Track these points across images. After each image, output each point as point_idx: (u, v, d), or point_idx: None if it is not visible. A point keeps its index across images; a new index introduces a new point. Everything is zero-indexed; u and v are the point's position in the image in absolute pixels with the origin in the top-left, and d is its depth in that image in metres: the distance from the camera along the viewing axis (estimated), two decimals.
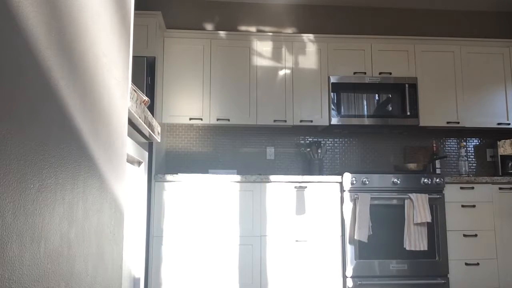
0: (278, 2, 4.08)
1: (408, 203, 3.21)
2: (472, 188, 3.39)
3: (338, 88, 3.66)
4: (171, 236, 3.15)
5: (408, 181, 3.32)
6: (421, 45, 3.83)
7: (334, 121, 3.62)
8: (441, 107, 3.77)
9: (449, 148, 4.12)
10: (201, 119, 3.60)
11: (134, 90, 1.10)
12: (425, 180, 3.31)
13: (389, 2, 4.14)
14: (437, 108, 3.76)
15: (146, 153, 1.39)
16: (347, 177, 3.28)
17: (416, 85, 3.69)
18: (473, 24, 4.23)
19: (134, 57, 3.16)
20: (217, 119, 3.60)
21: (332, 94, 3.65)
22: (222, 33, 3.71)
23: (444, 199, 3.33)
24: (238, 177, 3.25)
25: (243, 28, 4.06)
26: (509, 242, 3.36)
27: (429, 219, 3.17)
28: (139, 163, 1.33)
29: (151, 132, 1.27)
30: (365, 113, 3.64)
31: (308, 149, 3.85)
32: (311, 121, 3.67)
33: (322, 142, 3.99)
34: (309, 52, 3.76)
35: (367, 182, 3.28)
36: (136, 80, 3.11)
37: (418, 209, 3.17)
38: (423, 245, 3.15)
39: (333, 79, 3.67)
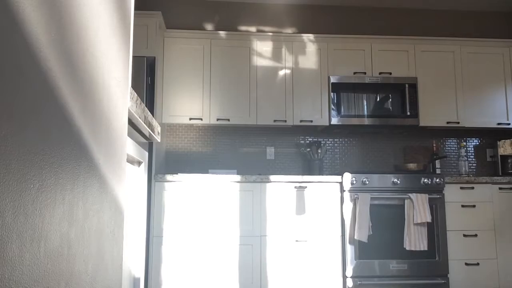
0: (278, 2, 4.08)
1: (408, 203, 3.21)
2: (472, 188, 3.39)
3: (338, 88, 3.66)
4: (171, 236, 3.15)
5: (408, 181, 3.32)
6: (421, 45, 3.83)
7: (334, 121, 3.62)
8: (441, 107, 3.77)
9: (449, 148, 4.12)
10: (201, 119, 3.60)
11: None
12: (425, 180, 3.31)
13: (389, 2, 4.14)
14: (437, 108, 3.76)
15: (146, 153, 1.39)
16: (347, 177, 3.28)
17: (416, 85, 3.69)
18: (473, 24, 4.23)
19: (134, 57, 3.15)
20: (217, 119, 3.60)
21: (332, 94, 3.65)
22: (222, 33, 3.71)
23: (444, 199, 3.33)
24: (238, 177, 3.25)
25: (243, 28, 4.06)
26: (509, 242, 3.36)
27: (429, 219, 3.17)
28: (139, 163, 1.33)
29: (151, 132, 1.27)
30: (365, 113, 3.64)
31: (308, 149, 3.85)
32: (311, 121, 3.67)
33: (322, 142, 3.99)
34: (309, 52, 3.76)
35: (367, 182, 3.28)
36: (136, 80, 3.11)
37: (418, 209, 3.17)
38: (423, 245, 3.15)
39: (333, 79, 3.67)
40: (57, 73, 0.51)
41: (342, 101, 3.65)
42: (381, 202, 3.25)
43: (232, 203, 3.23)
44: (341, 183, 3.31)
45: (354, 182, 3.27)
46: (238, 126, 3.90)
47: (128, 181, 1.18)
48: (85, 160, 0.64)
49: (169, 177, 3.21)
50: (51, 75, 0.49)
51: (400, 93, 3.68)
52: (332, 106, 3.63)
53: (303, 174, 3.87)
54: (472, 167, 4.10)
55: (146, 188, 1.41)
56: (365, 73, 3.74)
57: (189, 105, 3.61)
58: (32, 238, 0.44)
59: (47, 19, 0.48)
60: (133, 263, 1.26)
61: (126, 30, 0.92)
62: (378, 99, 3.67)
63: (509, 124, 3.82)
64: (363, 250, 3.20)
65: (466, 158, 3.92)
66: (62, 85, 0.53)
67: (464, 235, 3.32)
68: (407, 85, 3.67)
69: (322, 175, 3.52)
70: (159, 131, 1.44)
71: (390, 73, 3.75)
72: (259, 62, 3.70)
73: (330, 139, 4.03)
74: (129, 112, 0.96)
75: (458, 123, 3.77)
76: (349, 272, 3.17)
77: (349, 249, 3.20)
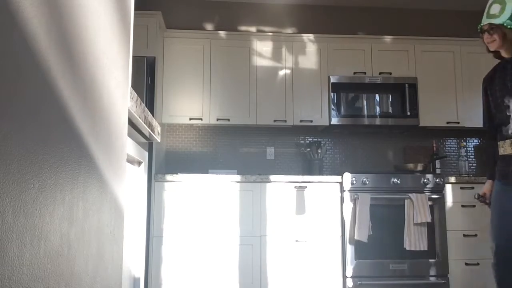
0: (278, 2, 4.08)
1: (408, 203, 3.21)
2: (472, 188, 3.39)
3: (338, 88, 3.66)
4: (171, 236, 3.15)
5: (408, 181, 3.32)
6: (421, 45, 3.83)
7: (334, 121, 3.62)
8: (441, 107, 3.77)
9: (449, 148, 4.12)
10: (201, 119, 3.60)
11: None
12: (425, 180, 3.31)
13: (389, 2, 4.14)
14: (437, 108, 3.76)
15: (146, 153, 1.39)
16: (347, 177, 3.28)
17: (416, 85, 3.69)
18: (473, 24, 4.23)
19: (134, 57, 3.16)
20: (217, 119, 3.60)
21: (332, 94, 3.65)
22: (222, 33, 3.71)
23: (444, 199, 3.33)
24: (238, 177, 3.25)
25: (243, 28, 4.05)
26: None
27: (429, 219, 3.17)
28: (139, 163, 1.33)
29: (151, 132, 1.27)
30: (365, 113, 3.64)
31: (308, 149, 3.85)
32: (311, 121, 3.67)
33: (322, 142, 3.98)
34: (309, 52, 3.76)
35: (367, 182, 3.28)
36: (136, 80, 3.11)
37: (418, 209, 3.17)
38: (423, 245, 3.15)
39: (333, 79, 3.67)
40: (57, 73, 0.51)
41: (342, 101, 3.65)
42: (381, 202, 3.25)
43: (232, 203, 3.22)
44: (341, 183, 3.31)
45: (354, 182, 3.27)
46: (238, 126, 3.90)
47: (128, 181, 1.18)
48: (85, 160, 0.64)
49: (169, 177, 3.21)
50: (51, 75, 0.49)
51: (400, 93, 3.68)
52: (332, 106, 3.63)
53: (303, 174, 3.86)
54: (472, 167, 4.10)
55: (146, 188, 1.41)
56: (365, 73, 3.74)
57: (189, 105, 3.60)
58: (32, 238, 0.44)
59: (47, 19, 0.48)
60: (133, 263, 1.26)
61: (126, 30, 0.92)
62: (378, 99, 3.67)
63: None
64: (363, 250, 3.20)
65: (466, 158, 3.92)
66: (62, 85, 0.53)
67: (464, 235, 3.32)
68: (407, 85, 3.67)
69: (322, 175, 3.52)
70: (159, 131, 1.44)
71: (390, 73, 3.75)
72: (259, 62, 3.70)
73: (330, 139, 4.03)
74: (129, 112, 0.96)
75: (458, 123, 3.77)
76: (349, 272, 3.17)
77: (349, 249, 3.19)
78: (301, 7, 4.13)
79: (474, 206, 3.36)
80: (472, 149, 4.14)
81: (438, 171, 3.87)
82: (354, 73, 3.74)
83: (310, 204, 3.27)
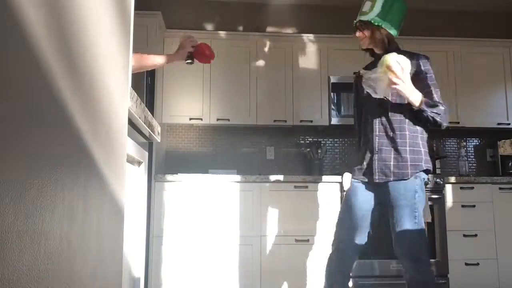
0: (279, 2, 4.08)
1: None
2: (472, 188, 3.39)
3: (338, 88, 3.65)
4: (171, 236, 3.15)
5: None
6: (421, 45, 3.82)
7: (334, 121, 3.62)
8: None
9: (449, 148, 4.11)
10: (201, 119, 3.60)
11: None
12: (425, 180, 3.31)
13: None
14: None
15: (146, 153, 1.39)
16: (347, 177, 3.27)
17: None
18: (473, 24, 4.23)
19: None
20: (217, 119, 3.60)
21: (332, 94, 3.64)
22: (222, 33, 3.71)
23: (444, 199, 3.33)
24: (238, 177, 3.25)
25: (243, 28, 4.05)
26: (509, 242, 3.36)
27: (429, 219, 3.16)
28: (139, 163, 1.33)
29: (151, 132, 1.27)
30: None
31: (308, 149, 3.84)
32: (311, 121, 3.67)
33: (322, 142, 3.98)
34: (309, 52, 3.76)
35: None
36: (136, 80, 3.11)
37: None
38: None
39: (333, 79, 3.66)
40: (57, 73, 0.51)
41: (342, 101, 3.65)
42: None
43: (232, 203, 3.22)
44: (341, 183, 3.31)
45: None
46: (238, 126, 3.89)
47: (128, 181, 1.18)
48: (85, 160, 0.64)
49: (169, 177, 3.21)
50: (51, 75, 0.49)
51: None
52: (332, 106, 3.63)
53: (303, 174, 3.86)
54: (472, 167, 4.10)
55: (146, 188, 1.41)
56: None
57: (189, 105, 3.60)
58: (32, 238, 0.44)
59: (47, 19, 0.48)
60: (133, 263, 1.26)
61: (126, 30, 0.92)
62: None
63: (509, 124, 3.81)
64: (363, 250, 3.19)
65: (466, 158, 3.92)
66: (62, 85, 0.53)
67: (464, 235, 3.32)
68: None
69: (322, 175, 3.52)
70: (159, 131, 1.44)
71: None
72: (259, 62, 3.70)
73: (330, 139, 4.03)
74: (129, 112, 0.96)
75: (458, 123, 3.77)
76: None
77: None
78: (301, 7, 4.12)
79: (474, 206, 3.36)
80: (472, 149, 4.14)
81: (438, 171, 3.86)
82: (354, 73, 3.73)
83: (310, 204, 3.27)
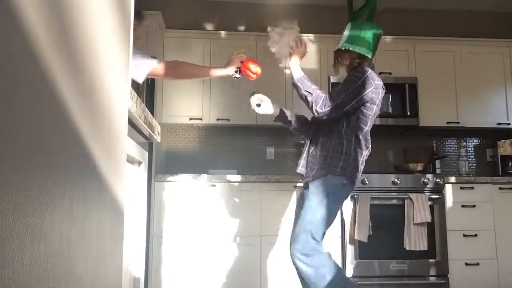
0: (278, 2, 4.08)
1: (408, 203, 3.21)
2: (472, 188, 3.39)
3: None
4: (171, 236, 3.15)
5: (408, 181, 3.32)
6: (421, 45, 3.83)
7: None
8: (441, 107, 3.76)
9: (449, 148, 4.11)
10: (201, 119, 3.60)
11: None
12: (425, 180, 3.31)
13: (389, 2, 4.14)
14: (437, 108, 3.75)
15: (146, 153, 1.39)
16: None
17: (416, 85, 3.69)
18: (473, 24, 4.23)
19: None
20: (217, 119, 3.60)
21: None
22: (222, 33, 3.71)
23: (444, 199, 3.33)
24: (238, 177, 3.25)
25: (243, 28, 4.05)
26: (509, 242, 3.36)
27: (429, 219, 3.17)
28: (139, 163, 1.33)
29: (151, 132, 1.27)
30: None
31: None
32: None
33: None
34: (309, 52, 3.73)
35: (367, 182, 3.28)
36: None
37: (418, 209, 3.17)
38: (423, 245, 3.15)
39: (333, 79, 3.66)
40: (56, 73, 0.51)
41: None
42: (381, 202, 3.25)
43: (232, 203, 3.22)
44: None
45: None
46: (238, 126, 3.89)
47: (128, 181, 1.18)
48: (85, 160, 0.64)
49: (169, 177, 3.21)
50: (50, 75, 0.49)
51: (400, 93, 3.68)
52: None
53: None
54: (472, 167, 4.10)
55: (146, 188, 1.41)
56: None
57: (189, 105, 3.60)
58: (32, 238, 0.44)
59: (47, 19, 0.48)
60: (133, 263, 1.26)
61: (126, 30, 0.92)
62: None
63: (509, 124, 3.81)
64: (363, 250, 3.19)
65: (466, 158, 3.92)
66: (62, 85, 0.53)
67: (464, 235, 3.32)
68: (407, 85, 3.66)
69: None
70: (159, 131, 1.44)
71: (390, 73, 3.74)
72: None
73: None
74: (129, 112, 0.96)
75: (458, 123, 3.77)
76: (349, 272, 3.17)
77: (349, 249, 3.19)
78: (301, 7, 4.12)
79: (474, 206, 3.36)
80: (472, 149, 4.14)
81: (438, 171, 3.86)
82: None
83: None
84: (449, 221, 3.31)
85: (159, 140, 1.44)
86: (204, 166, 3.86)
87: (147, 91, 3.17)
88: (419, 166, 3.57)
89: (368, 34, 2.23)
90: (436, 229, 3.26)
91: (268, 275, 3.17)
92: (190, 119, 3.59)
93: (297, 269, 2.14)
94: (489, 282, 3.29)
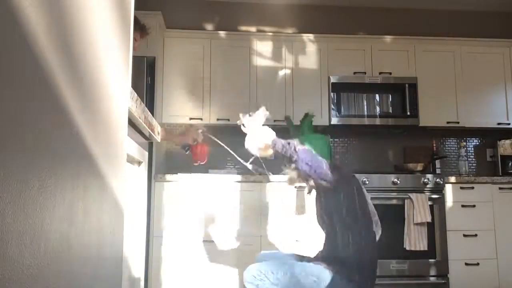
0: (278, 2, 4.08)
1: (408, 203, 3.21)
2: (472, 188, 3.39)
3: (338, 88, 3.65)
4: (171, 236, 3.15)
5: (408, 181, 3.32)
6: (421, 45, 3.83)
7: (334, 121, 3.62)
8: (441, 107, 3.76)
9: (449, 148, 4.11)
10: (201, 119, 3.60)
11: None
12: (425, 180, 3.31)
13: (389, 2, 4.14)
14: (437, 108, 3.75)
15: (146, 153, 1.39)
16: None
17: (416, 85, 3.69)
18: (473, 24, 4.23)
19: (134, 57, 3.14)
20: (217, 119, 3.60)
21: (332, 94, 3.64)
22: (222, 33, 3.71)
23: (444, 199, 3.33)
24: (238, 177, 3.25)
25: (243, 28, 4.05)
26: (509, 242, 3.36)
27: (429, 219, 3.17)
28: (139, 163, 1.33)
29: (151, 132, 1.27)
30: (365, 113, 3.64)
31: None
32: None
33: None
34: (309, 52, 3.76)
35: (367, 182, 3.28)
36: (136, 80, 3.11)
37: (418, 209, 3.17)
38: (423, 245, 3.15)
39: (333, 79, 3.66)
40: (57, 74, 0.51)
41: (342, 101, 3.65)
42: (381, 202, 3.25)
43: (232, 203, 3.22)
44: None
45: None
46: (238, 126, 3.88)
47: (128, 181, 1.18)
48: (85, 160, 0.64)
49: (169, 177, 3.20)
50: (51, 75, 0.49)
51: (400, 93, 3.67)
52: (332, 106, 3.63)
53: None
54: (472, 167, 4.10)
55: (146, 188, 1.41)
56: (365, 73, 3.74)
57: (189, 105, 3.60)
58: (32, 238, 0.44)
59: (47, 19, 0.48)
60: (133, 263, 1.26)
61: (126, 30, 0.92)
62: (378, 99, 3.67)
63: (509, 124, 3.81)
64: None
65: (466, 158, 3.92)
66: (62, 86, 0.53)
67: (464, 235, 3.32)
68: (407, 85, 3.66)
69: None
70: (159, 131, 1.44)
71: (390, 73, 3.74)
72: (259, 62, 3.70)
73: (330, 139, 4.02)
74: (129, 112, 0.96)
75: (458, 123, 3.77)
76: None
77: None
78: (301, 7, 4.12)
79: (474, 206, 3.36)
80: (472, 149, 4.14)
81: (438, 171, 3.86)
82: (354, 73, 3.73)
83: (310, 204, 3.26)
84: (449, 221, 3.31)
85: (159, 140, 1.44)
86: (204, 166, 3.86)
87: (147, 91, 3.17)
88: (419, 166, 3.57)
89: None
90: (436, 229, 3.26)
91: None
92: (190, 119, 3.59)
93: None
94: (489, 282, 3.29)
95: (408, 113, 3.64)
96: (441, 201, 3.30)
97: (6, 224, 0.37)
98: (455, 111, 3.78)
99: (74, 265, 0.58)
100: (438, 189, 3.31)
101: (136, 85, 3.09)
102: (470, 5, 4.17)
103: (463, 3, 4.13)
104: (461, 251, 3.29)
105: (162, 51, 3.58)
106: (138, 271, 1.31)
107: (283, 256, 2.14)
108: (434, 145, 3.97)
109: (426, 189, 3.30)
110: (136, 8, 1.07)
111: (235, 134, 3.93)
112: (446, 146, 4.11)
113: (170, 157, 3.86)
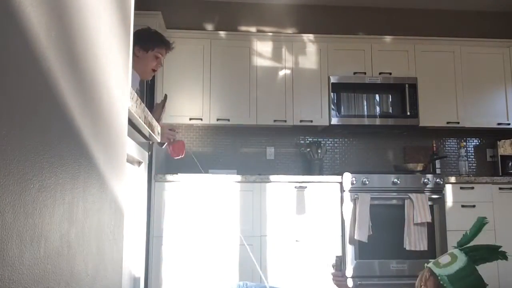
0: (278, 2, 4.08)
1: (408, 203, 3.21)
2: (472, 188, 3.39)
3: (338, 88, 3.65)
4: (171, 236, 3.15)
5: (408, 181, 3.32)
6: (421, 45, 3.83)
7: (334, 121, 3.62)
8: (441, 107, 3.77)
9: (449, 148, 4.12)
10: (201, 119, 3.60)
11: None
12: (425, 180, 3.31)
13: (389, 2, 4.14)
14: (437, 108, 3.76)
15: (146, 153, 1.39)
16: (347, 177, 3.27)
17: (416, 85, 3.69)
18: (473, 24, 4.23)
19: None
20: (217, 119, 3.60)
21: (332, 94, 3.65)
22: (222, 33, 3.71)
23: (444, 199, 3.33)
24: (238, 177, 3.25)
25: (243, 28, 4.05)
26: (509, 242, 3.35)
27: (429, 219, 3.17)
28: (139, 163, 1.33)
29: (151, 132, 1.27)
30: (365, 113, 3.64)
31: (308, 149, 3.84)
32: (311, 121, 3.67)
33: (322, 142, 3.98)
34: (309, 52, 3.76)
35: (367, 182, 3.28)
36: None
37: (418, 209, 3.17)
38: (423, 245, 3.15)
39: (333, 79, 3.67)
40: (57, 73, 0.51)
41: (342, 101, 3.65)
42: (381, 202, 3.25)
43: (232, 203, 3.22)
44: (341, 183, 3.31)
45: (354, 182, 3.26)
46: (238, 126, 3.89)
47: (128, 181, 1.18)
48: (85, 160, 0.64)
49: (169, 177, 3.20)
50: (50, 75, 0.49)
51: (400, 93, 3.68)
52: (332, 106, 3.63)
53: (303, 174, 3.86)
54: (472, 167, 4.10)
55: (146, 188, 1.41)
56: (365, 73, 3.74)
57: (189, 105, 3.60)
58: (32, 238, 0.44)
59: (47, 19, 0.48)
60: (133, 263, 1.26)
61: (126, 30, 0.92)
62: (378, 99, 3.67)
63: (509, 124, 3.81)
64: (363, 250, 3.20)
65: (466, 158, 3.92)
66: (62, 85, 0.53)
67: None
68: (407, 85, 3.66)
69: (322, 175, 3.51)
70: (159, 131, 1.44)
71: (390, 73, 3.74)
72: (259, 62, 3.70)
73: (330, 139, 4.03)
74: (129, 112, 0.96)
75: (458, 123, 3.77)
76: (349, 272, 3.17)
77: (349, 249, 3.19)
78: (301, 7, 4.12)
79: (474, 206, 3.36)
80: (472, 149, 4.14)
81: (438, 171, 3.87)
82: (354, 73, 3.74)
83: (310, 204, 3.27)
84: (449, 221, 3.31)
85: (159, 140, 1.44)
86: (204, 166, 3.86)
87: (147, 91, 3.17)
88: (419, 166, 3.57)
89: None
90: (436, 229, 3.26)
91: (268, 275, 3.17)
92: (190, 119, 3.59)
93: None
94: (489, 282, 3.27)
95: (408, 113, 3.64)
96: (441, 201, 3.30)
97: (6, 224, 0.37)
98: (455, 111, 3.78)
99: (74, 265, 0.58)
100: (438, 189, 3.31)
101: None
102: (470, 5, 4.17)
103: (463, 3, 4.13)
104: None
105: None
106: (138, 271, 1.31)
107: None
108: (434, 145, 3.97)
109: (426, 189, 3.31)
110: (136, 9, 1.07)
111: (235, 134, 3.94)
112: (446, 146, 4.11)
113: (170, 157, 3.85)
